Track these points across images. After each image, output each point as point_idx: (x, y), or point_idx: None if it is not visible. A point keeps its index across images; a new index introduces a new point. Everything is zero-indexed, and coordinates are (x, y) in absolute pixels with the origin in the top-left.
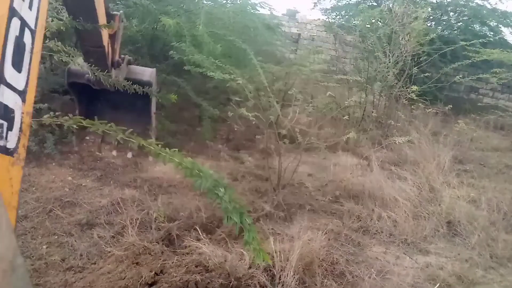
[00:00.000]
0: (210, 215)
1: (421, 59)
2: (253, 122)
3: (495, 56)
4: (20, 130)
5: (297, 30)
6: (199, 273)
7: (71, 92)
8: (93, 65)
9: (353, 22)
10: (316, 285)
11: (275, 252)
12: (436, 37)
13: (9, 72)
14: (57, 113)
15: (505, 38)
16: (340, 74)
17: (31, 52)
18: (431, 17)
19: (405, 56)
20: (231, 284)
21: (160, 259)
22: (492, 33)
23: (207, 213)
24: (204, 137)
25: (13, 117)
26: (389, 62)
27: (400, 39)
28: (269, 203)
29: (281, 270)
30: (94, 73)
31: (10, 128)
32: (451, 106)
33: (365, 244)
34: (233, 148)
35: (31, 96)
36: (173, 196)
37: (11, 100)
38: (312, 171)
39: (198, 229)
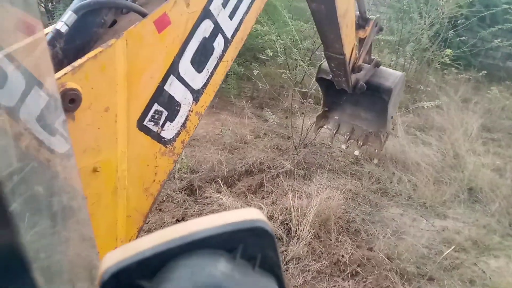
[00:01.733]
0: (231, 169)
1: (458, 22)
2: (279, 81)
3: None
4: (183, 126)
5: None
6: None
7: (319, 85)
8: (334, 69)
9: None
10: (330, 240)
11: (293, 207)
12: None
13: (185, 67)
14: None
15: None
16: None
17: (220, 58)
18: None
19: (442, 18)
20: None
21: (182, 207)
22: None
23: (228, 167)
24: (228, 94)
25: (177, 110)
26: (424, 24)
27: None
28: (289, 161)
29: (298, 224)
30: (333, 77)
31: (170, 118)
32: (485, 72)
33: (382, 205)
34: (257, 106)
35: (206, 99)
36: (195, 149)
37: (180, 93)
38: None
39: (220, 182)
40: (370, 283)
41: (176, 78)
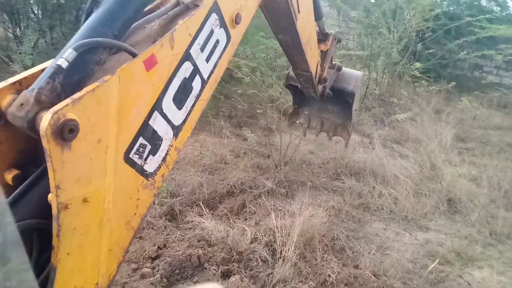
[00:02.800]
0: (212, 190)
1: (425, 35)
2: (256, 99)
3: (501, 32)
4: (164, 160)
5: None
6: (201, 247)
7: (289, 89)
8: (303, 83)
9: None
10: (316, 260)
11: (276, 228)
12: (441, 13)
13: (167, 104)
14: None
15: None
16: (343, 50)
17: (197, 97)
18: None
19: (410, 32)
20: (233, 258)
21: (163, 233)
22: (499, 8)
23: (209, 189)
24: (206, 114)
25: (159, 145)
26: (393, 38)
27: (405, 14)
28: (270, 180)
29: (282, 245)
30: (302, 88)
31: (153, 152)
32: (454, 84)
33: (365, 221)
34: (235, 125)
35: (184, 135)
36: (175, 172)
37: (162, 128)
38: (314, 148)
39: (201, 205)
40: None
41: (160, 114)
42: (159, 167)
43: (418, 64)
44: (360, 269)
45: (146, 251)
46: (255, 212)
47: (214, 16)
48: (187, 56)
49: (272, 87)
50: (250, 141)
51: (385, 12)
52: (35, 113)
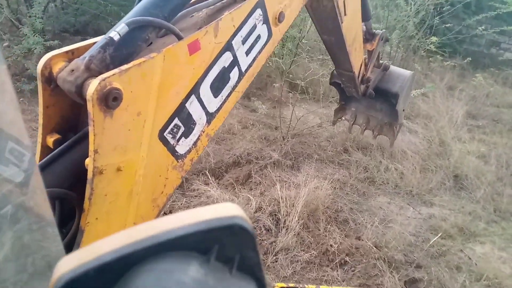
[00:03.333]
0: (218, 160)
1: (443, 8)
2: (266, 71)
3: None
4: (195, 144)
5: None
6: None
7: (334, 87)
8: (345, 82)
9: None
10: (319, 230)
11: (281, 198)
12: None
13: (205, 90)
14: None
15: None
16: None
17: (233, 88)
18: None
19: (428, 5)
20: None
21: (170, 200)
22: None
23: (216, 159)
24: None
25: (192, 129)
26: (410, 11)
27: None
28: (277, 151)
29: (286, 215)
30: (344, 86)
31: (185, 134)
32: (469, 60)
33: (370, 194)
34: (244, 96)
35: (217, 123)
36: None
37: (197, 113)
38: (323, 122)
39: (207, 174)
40: (358, 272)
41: (196, 98)
42: (189, 151)
43: (434, 38)
44: (362, 240)
45: None
46: (260, 182)
47: (258, 11)
48: (228, 46)
49: (282, 58)
50: (259, 112)
51: None
52: (84, 79)
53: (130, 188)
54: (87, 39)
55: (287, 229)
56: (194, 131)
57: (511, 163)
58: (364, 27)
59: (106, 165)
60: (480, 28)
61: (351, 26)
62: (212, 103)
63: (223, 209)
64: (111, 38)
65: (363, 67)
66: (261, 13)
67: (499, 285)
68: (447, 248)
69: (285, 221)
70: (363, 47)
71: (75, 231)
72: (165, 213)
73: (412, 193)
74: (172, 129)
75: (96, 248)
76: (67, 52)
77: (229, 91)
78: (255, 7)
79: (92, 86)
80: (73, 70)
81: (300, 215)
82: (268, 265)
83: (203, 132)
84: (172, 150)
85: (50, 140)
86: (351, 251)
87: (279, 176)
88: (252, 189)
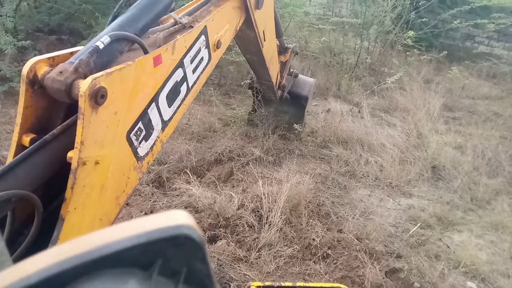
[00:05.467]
0: (200, 158)
1: (419, 3)
2: (246, 67)
3: (495, 2)
4: (151, 148)
5: None
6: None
7: (252, 93)
8: (265, 89)
9: None
10: (301, 225)
11: (263, 194)
12: None
13: (162, 99)
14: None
15: None
16: (336, 18)
17: (182, 101)
18: None
19: (404, 0)
20: (219, 223)
21: (150, 200)
22: None
23: (197, 157)
24: None
25: (151, 132)
26: (387, 6)
27: None
28: (259, 148)
29: (269, 211)
30: (264, 93)
31: (146, 138)
32: (445, 53)
33: (351, 187)
34: (224, 93)
35: (169, 131)
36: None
37: (155, 119)
38: (310, 107)
39: (188, 172)
40: (340, 264)
41: (156, 106)
42: (147, 154)
43: (411, 33)
44: (344, 233)
45: (133, 217)
46: (242, 179)
47: (203, 37)
48: (181, 64)
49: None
50: (239, 109)
51: None
52: (73, 79)
53: (102, 182)
54: (62, 38)
55: (269, 225)
56: (152, 136)
57: (487, 153)
58: (278, 42)
59: (88, 157)
60: (455, 22)
61: (269, 48)
62: (167, 112)
63: (169, 218)
64: (97, 47)
65: (279, 76)
66: (205, 39)
67: (476, 271)
68: (426, 238)
69: (267, 217)
70: (278, 59)
71: (35, 233)
72: (146, 213)
73: (391, 185)
74: (136, 132)
75: (21, 269)
76: (49, 58)
77: (179, 103)
78: (200, 34)
79: (85, 84)
80: (61, 72)
81: (282, 210)
82: (251, 261)
83: (158, 137)
84: (135, 151)
85: (27, 139)
86: (333, 244)
87: (261, 173)
88: (234, 186)
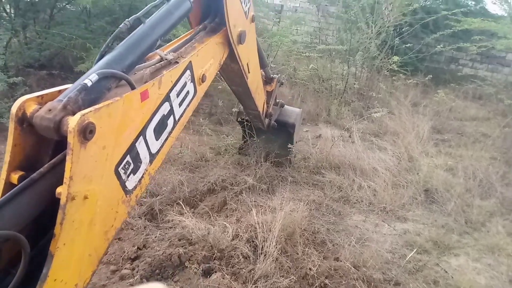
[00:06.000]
0: (192, 189)
1: (403, 29)
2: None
3: (476, 25)
4: (139, 181)
5: (280, 1)
6: (182, 246)
7: (239, 124)
8: (252, 118)
9: None
10: (297, 254)
11: (258, 224)
12: (418, 7)
13: (150, 133)
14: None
15: (486, 8)
16: (323, 45)
17: (169, 134)
18: None
19: (388, 27)
20: (214, 256)
21: (143, 233)
22: (473, 2)
23: (190, 187)
24: None
25: (139, 166)
26: (372, 33)
27: (383, 9)
28: (251, 176)
29: (264, 241)
30: (251, 122)
31: (134, 171)
32: (431, 77)
33: (345, 213)
34: (215, 122)
35: (157, 163)
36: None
37: (143, 152)
38: (298, 137)
39: (181, 203)
40: None
41: (143, 139)
42: (135, 187)
43: (395, 58)
44: (341, 261)
45: (126, 252)
46: (236, 208)
47: (188, 72)
48: (167, 98)
49: None
50: (231, 138)
51: (364, 7)
52: (61, 117)
53: (91, 217)
54: (53, 73)
55: (265, 255)
56: (140, 169)
57: (478, 175)
58: (263, 72)
59: (77, 192)
60: (439, 46)
61: (254, 79)
62: (154, 145)
63: None
64: (85, 84)
65: (265, 105)
66: (190, 74)
67: None
68: (424, 263)
69: (262, 247)
70: (264, 89)
71: (21, 273)
72: (138, 248)
73: (386, 209)
74: (124, 165)
75: None
76: (37, 96)
77: (166, 136)
78: (186, 69)
79: (74, 120)
80: (50, 110)
81: (277, 239)
82: None
83: (146, 170)
84: (123, 185)
85: (15, 177)
86: (330, 273)
87: (254, 201)
88: (228, 216)
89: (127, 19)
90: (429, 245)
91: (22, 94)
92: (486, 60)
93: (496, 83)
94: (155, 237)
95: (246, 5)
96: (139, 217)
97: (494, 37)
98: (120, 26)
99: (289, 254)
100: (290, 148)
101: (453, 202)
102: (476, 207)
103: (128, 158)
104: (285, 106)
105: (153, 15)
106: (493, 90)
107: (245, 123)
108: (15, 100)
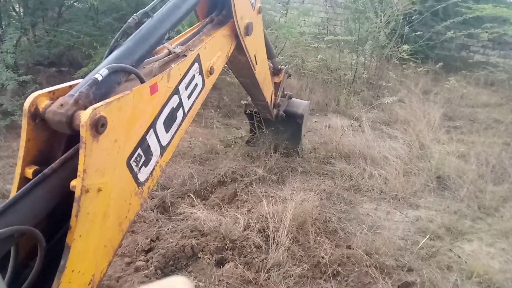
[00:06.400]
0: (203, 181)
1: (412, 18)
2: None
3: (487, 12)
4: (151, 173)
5: None
6: (194, 237)
7: (247, 116)
8: (260, 109)
9: None
10: (309, 242)
11: (269, 214)
12: None
13: (160, 126)
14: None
15: None
16: (331, 36)
17: (179, 126)
18: None
19: (397, 16)
20: (226, 246)
21: (156, 226)
22: None
23: (200, 180)
24: None
25: (150, 158)
26: (381, 22)
27: None
28: (261, 167)
29: (275, 231)
30: (260, 113)
31: (145, 163)
32: (442, 64)
33: (356, 202)
34: (224, 115)
35: (167, 155)
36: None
37: (154, 145)
38: (305, 130)
39: (192, 196)
40: (352, 281)
41: (154, 132)
42: (147, 179)
43: (405, 46)
44: (353, 249)
45: (139, 245)
46: (247, 200)
47: (196, 65)
48: (176, 91)
49: None
50: (240, 130)
51: None
52: (74, 111)
53: (105, 209)
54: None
55: (277, 244)
56: (151, 161)
57: (491, 160)
58: (271, 64)
59: (91, 185)
60: (449, 33)
61: (262, 70)
62: (164, 137)
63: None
64: (96, 79)
65: (273, 96)
66: (198, 67)
67: (490, 281)
68: (437, 249)
69: (274, 236)
70: (272, 80)
71: (39, 267)
72: (152, 240)
73: (397, 197)
74: (136, 158)
75: None
76: (49, 92)
77: (176, 128)
78: (194, 61)
79: (86, 114)
80: (62, 105)
81: (289, 229)
82: (261, 283)
83: (157, 162)
84: (135, 177)
85: (29, 171)
86: (343, 261)
87: (265, 192)
88: (239, 207)
89: (135, 14)
90: (441, 231)
91: (33, 92)
92: (498, 47)
93: (509, 69)
94: (168, 229)
95: None
96: (151, 210)
97: (506, 23)
98: (129, 21)
99: (301, 243)
100: (299, 140)
101: (466, 188)
102: (489, 193)
103: (139, 150)
104: (293, 98)
105: (160, 9)
106: (505, 76)
107: (254, 115)
108: (25, 97)
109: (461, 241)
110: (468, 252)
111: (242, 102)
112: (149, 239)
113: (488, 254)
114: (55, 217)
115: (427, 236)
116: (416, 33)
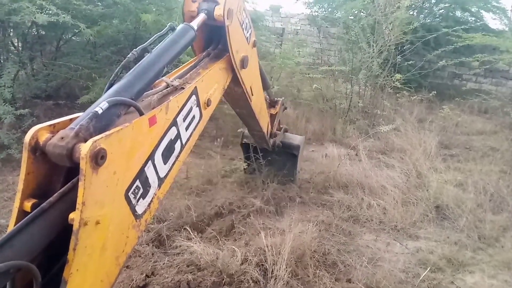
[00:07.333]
0: (200, 213)
1: (404, 47)
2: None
3: (477, 41)
4: (149, 206)
5: (281, 25)
6: (191, 272)
7: (242, 148)
8: (257, 139)
9: (336, 14)
10: (308, 276)
11: (267, 247)
12: (419, 26)
13: (158, 157)
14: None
15: (487, 23)
16: (325, 66)
17: (176, 158)
18: (413, 6)
19: (389, 46)
20: (223, 281)
21: (151, 261)
22: (473, 18)
23: (197, 212)
24: None
25: (148, 190)
26: (373, 52)
27: (384, 28)
28: (259, 198)
29: (273, 264)
30: (256, 143)
31: (143, 196)
32: (435, 92)
33: (355, 233)
34: (221, 145)
35: (165, 187)
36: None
37: (152, 176)
38: (301, 164)
39: (188, 229)
40: None
41: (152, 164)
42: (145, 211)
43: (398, 76)
44: (353, 282)
45: (134, 280)
46: (244, 232)
47: (194, 97)
48: (174, 123)
49: None
50: (237, 160)
51: (364, 27)
52: (74, 144)
53: (103, 242)
54: (59, 103)
55: (275, 278)
56: (149, 193)
57: (489, 189)
58: (267, 95)
59: (89, 217)
60: (441, 62)
61: (258, 101)
62: (162, 169)
63: None
64: (96, 112)
65: (269, 126)
66: (196, 99)
67: None
68: (438, 282)
69: (272, 270)
70: (268, 112)
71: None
72: (147, 276)
73: (397, 228)
74: (134, 190)
75: None
76: (49, 125)
77: (174, 160)
78: (191, 94)
79: (86, 146)
80: (62, 138)
81: (287, 262)
82: None
83: (155, 194)
84: (133, 210)
85: (28, 205)
86: None
87: (263, 224)
88: (236, 240)
89: (134, 49)
90: (442, 262)
91: (30, 125)
92: (490, 74)
93: (501, 96)
94: (163, 264)
95: (247, 32)
96: (146, 244)
97: (496, 51)
98: (128, 56)
99: (300, 277)
100: (295, 172)
101: (465, 218)
102: (488, 222)
103: (137, 182)
104: (287, 133)
105: (159, 44)
106: (498, 104)
107: (250, 145)
108: (22, 131)
109: (463, 273)
110: (470, 284)
111: (239, 130)
112: (144, 275)
113: (490, 287)
114: (52, 251)
115: (428, 268)
116: (409, 62)
